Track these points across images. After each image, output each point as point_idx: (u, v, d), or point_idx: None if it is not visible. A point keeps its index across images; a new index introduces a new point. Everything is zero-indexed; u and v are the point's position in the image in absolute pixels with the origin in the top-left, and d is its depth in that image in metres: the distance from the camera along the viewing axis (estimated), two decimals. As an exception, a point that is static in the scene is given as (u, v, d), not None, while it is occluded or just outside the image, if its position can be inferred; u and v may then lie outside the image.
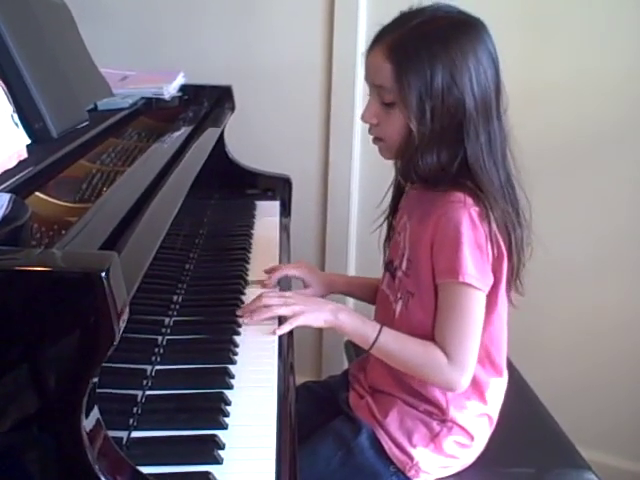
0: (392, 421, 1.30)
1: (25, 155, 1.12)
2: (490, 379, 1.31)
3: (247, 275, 1.50)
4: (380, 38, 1.24)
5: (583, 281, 2.06)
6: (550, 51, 1.96)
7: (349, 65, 2.17)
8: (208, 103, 1.95)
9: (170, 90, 1.79)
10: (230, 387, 1.08)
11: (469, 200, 1.20)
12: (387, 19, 1.25)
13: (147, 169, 1.23)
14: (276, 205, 1.98)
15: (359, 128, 2.21)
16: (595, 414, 2.09)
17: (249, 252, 1.62)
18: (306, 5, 2.21)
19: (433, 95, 1.17)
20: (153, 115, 1.77)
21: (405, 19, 1.23)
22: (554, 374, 2.06)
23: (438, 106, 1.18)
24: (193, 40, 2.28)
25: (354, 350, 1.63)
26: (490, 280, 1.22)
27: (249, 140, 2.18)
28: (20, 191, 0.98)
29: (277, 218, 1.90)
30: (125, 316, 0.67)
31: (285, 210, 2.00)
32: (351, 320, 1.25)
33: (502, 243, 1.22)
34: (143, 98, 1.73)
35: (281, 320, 1.27)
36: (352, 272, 2.33)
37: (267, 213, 1.91)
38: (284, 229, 1.85)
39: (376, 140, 1.30)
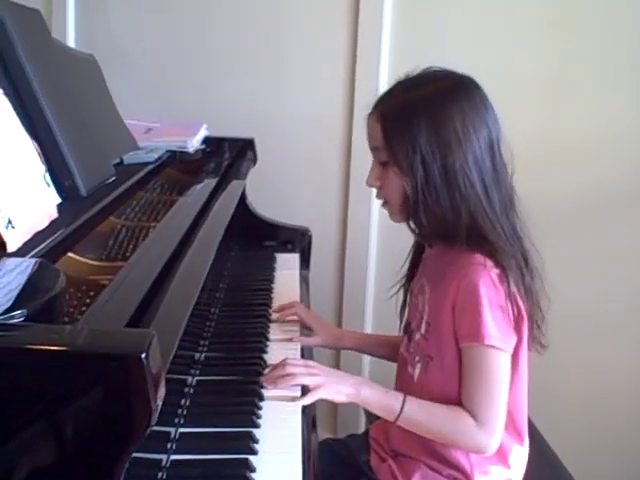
0: (415, 485, 1.28)
1: (55, 215, 1.12)
2: (513, 445, 1.30)
3: (269, 333, 1.49)
4: (376, 104, 1.28)
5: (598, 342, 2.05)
6: (567, 115, 1.98)
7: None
8: (230, 155, 1.97)
9: (194, 143, 1.81)
10: (255, 452, 1.07)
11: (489, 262, 1.20)
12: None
13: (174, 228, 1.24)
14: (296, 258, 1.98)
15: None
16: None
17: (270, 308, 1.62)
18: (328, 59, 2.24)
19: (420, 151, 1.19)
20: (177, 167, 1.78)
21: (398, 85, 1.28)
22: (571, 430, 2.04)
23: (428, 162, 1.20)
24: (215, 91, 2.30)
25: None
26: (513, 340, 1.22)
27: (268, 193, 2.19)
28: (51, 255, 0.99)
29: (297, 271, 1.89)
30: (162, 393, 0.66)
31: (304, 262, 2.00)
32: (374, 394, 1.24)
33: (521, 303, 1.22)
34: (168, 151, 1.74)
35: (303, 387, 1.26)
36: (369, 331, 2.31)
37: (287, 266, 1.91)
38: (304, 281, 1.85)
39: (384, 204, 1.32)
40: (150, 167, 1.58)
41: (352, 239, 2.31)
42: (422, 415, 1.23)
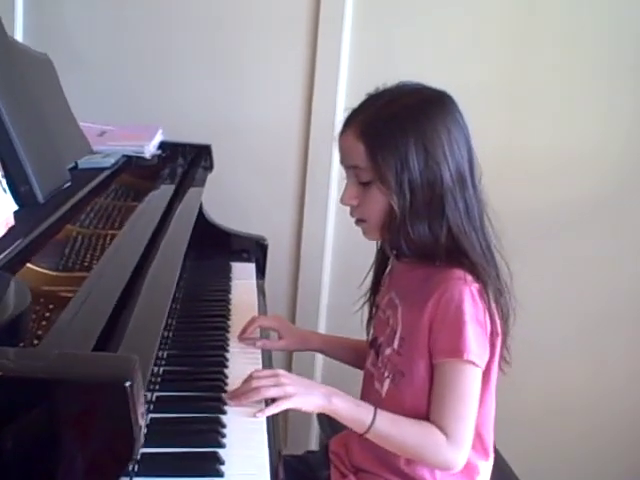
0: (378, 503, 1.27)
1: (12, 222, 1.07)
2: (479, 462, 1.29)
3: (228, 345, 1.45)
4: (350, 120, 1.25)
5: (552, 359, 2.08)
6: (534, 124, 2.00)
7: (327, 128, 2.17)
8: (186, 161, 1.93)
9: (150, 148, 1.76)
10: (221, 475, 1.03)
11: (469, 277, 1.20)
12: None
13: (136, 239, 1.20)
14: (252, 267, 1.95)
15: (335, 191, 2.20)
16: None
17: (228, 319, 1.58)
18: (286, 66, 2.21)
19: (409, 169, 1.18)
20: (132, 173, 1.73)
21: (373, 99, 1.26)
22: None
23: (416, 179, 1.19)
24: (170, 95, 2.24)
25: (329, 425, 1.58)
26: (487, 356, 1.21)
27: (222, 199, 2.15)
28: (10, 265, 0.93)
29: (254, 281, 1.86)
30: (144, 420, 0.62)
31: (260, 272, 1.96)
32: (345, 404, 1.21)
33: (497, 319, 1.22)
34: (124, 156, 1.69)
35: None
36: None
37: (243, 275, 1.88)
38: (261, 292, 1.82)
39: (359, 222, 1.29)
40: (107, 172, 1.53)
41: (307, 248, 2.29)
42: (392, 429, 1.21)
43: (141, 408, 0.61)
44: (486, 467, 1.31)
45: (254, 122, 2.25)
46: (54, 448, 0.58)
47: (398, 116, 1.21)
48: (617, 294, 2.13)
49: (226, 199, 2.18)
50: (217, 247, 1.99)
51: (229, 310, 1.63)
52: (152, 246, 1.17)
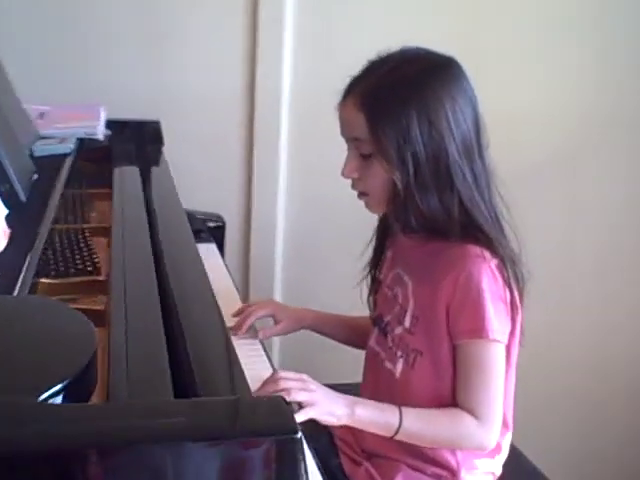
0: (398, 488, 1.22)
1: (8, 230, 0.93)
2: (500, 439, 1.27)
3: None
4: (351, 89, 1.19)
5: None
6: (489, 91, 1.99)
7: (273, 96, 2.09)
8: (136, 139, 1.79)
9: (102, 129, 1.61)
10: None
11: (487, 253, 1.16)
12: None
13: (136, 238, 1.08)
14: (213, 248, 1.84)
15: (284, 163, 2.12)
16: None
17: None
18: (228, 34, 2.08)
19: (412, 142, 1.13)
20: (86, 156, 1.58)
21: (374, 67, 1.19)
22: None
23: (420, 152, 1.13)
24: (103, 69, 2.06)
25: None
26: (509, 330, 1.18)
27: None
28: (28, 285, 0.81)
29: (221, 262, 1.77)
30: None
31: (221, 252, 1.87)
32: (369, 412, 1.14)
33: (516, 292, 1.19)
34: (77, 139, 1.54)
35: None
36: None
37: (209, 258, 1.76)
38: (230, 273, 1.73)
39: (361, 195, 1.23)
40: (71, 159, 1.38)
41: (257, 223, 2.20)
42: (421, 425, 1.16)
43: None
44: (506, 441, 1.30)
45: (193, 93, 2.11)
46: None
47: (400, 85, 1.15)
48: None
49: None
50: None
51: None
52: (157, 246, 1.06)
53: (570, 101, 2.08)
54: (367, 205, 1.24)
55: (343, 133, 1.21)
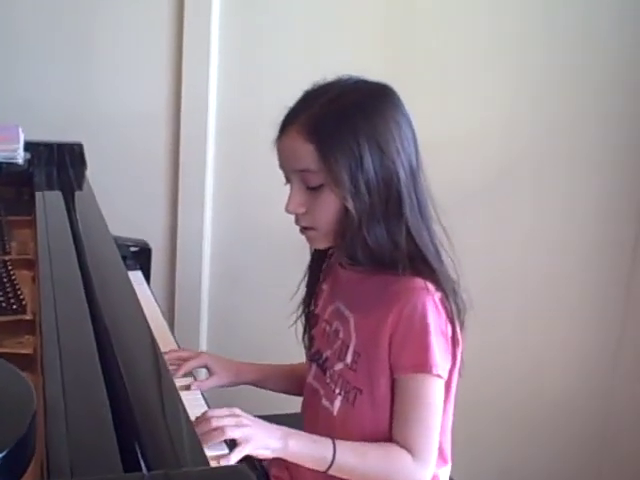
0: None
1: None
2: (439, 470, 1.25)
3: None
4: (292, 120, 1.16)
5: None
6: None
7: (200, 119, 2.04)
8: (57, 162, 1.70)
9: (22, 153, 1.52)
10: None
11: (430, 286, 1.14)
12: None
13: (64, 269, 1.02)
14: (139, 276, 1.77)
15: (210, 186, 2.08)
16: None
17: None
18: (152, 49, 2.02)
19: (364, 168, 1.11)
20: (3, 181, 1.50)
21: (314, 96, 1.17)
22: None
23: (372, 178, 1.12)
24: (16, 86, 1.97)
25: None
26: (449, 365, 1.17)
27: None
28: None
29: (147, 289, 1.69)
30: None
31: (147, 279, 1.80)
32: (302, 445, 1.10)
33: (457, 326, 1.18)
34: (-5, 163, 1.45)
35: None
36: (204, 348, 2.14)
37: (135, 284, 1.68)
38: (156, 299, 1.66)
39: (305, 230, 1.19)
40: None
41: (183, 247, 2.14)
42: (356, 459, 1.13)
43: None
44: (445, 472, 1.28)
45: (116, 113, 2.04)
46: None
47: (348, 113, 1.13)
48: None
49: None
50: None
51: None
52: (87, 278, 1.00)
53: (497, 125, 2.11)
54: (311, 240, 1.21)
55: (286, 166, 1.17)
